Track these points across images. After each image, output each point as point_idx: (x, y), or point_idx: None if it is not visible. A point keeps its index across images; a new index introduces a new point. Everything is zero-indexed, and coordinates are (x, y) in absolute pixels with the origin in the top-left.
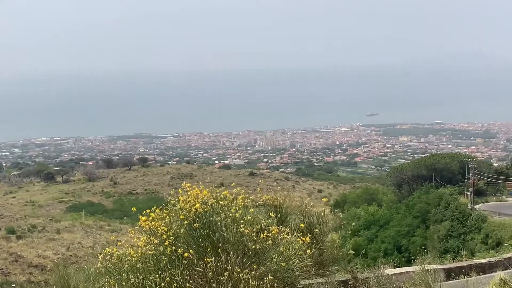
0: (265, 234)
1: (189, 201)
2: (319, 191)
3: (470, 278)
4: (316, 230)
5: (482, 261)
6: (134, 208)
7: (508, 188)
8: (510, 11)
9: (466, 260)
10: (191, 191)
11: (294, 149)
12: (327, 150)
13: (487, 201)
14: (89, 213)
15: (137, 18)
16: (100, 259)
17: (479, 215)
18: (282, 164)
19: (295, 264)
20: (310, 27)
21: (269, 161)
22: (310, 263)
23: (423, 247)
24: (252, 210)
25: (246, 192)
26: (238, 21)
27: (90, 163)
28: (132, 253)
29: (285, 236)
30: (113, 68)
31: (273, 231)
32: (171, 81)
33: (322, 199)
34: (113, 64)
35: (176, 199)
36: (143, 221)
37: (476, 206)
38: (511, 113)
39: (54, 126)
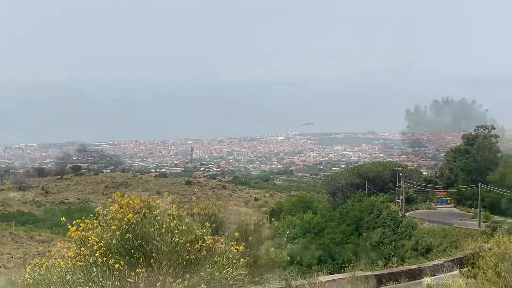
0: (199, 244)
1: (122, 211)
2: (256, 199)
3: (399, 284)
4: (251, 238)
5: (412, 267)
6: (63, 218)
7: (437, 196)
8: (436, 27)
9: (397, 267)
10: (122, 201)
11: (231, 158)
12: (264, 159)
13: (417, 209)
14: (19, 223)
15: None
16: (28, 270)
17: (409, 222)
18: (219, 173)
19: (229, 273)
20: (239, 36)
21: (206, 169)
22: (244, 272)
23: (356, 254)
24: (187, 219)
25: (182, 201)
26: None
27: (21, 171)
28: (61, 264)
29: (220, 245)
30: (45, 74)
31: (208, 241)
32: (108, 87)
33: (262, 209)
34: (46, 70)
35: (107, 209)
36: (72, 232)
37: (407, 214)
38: (439, 124)
39: None
